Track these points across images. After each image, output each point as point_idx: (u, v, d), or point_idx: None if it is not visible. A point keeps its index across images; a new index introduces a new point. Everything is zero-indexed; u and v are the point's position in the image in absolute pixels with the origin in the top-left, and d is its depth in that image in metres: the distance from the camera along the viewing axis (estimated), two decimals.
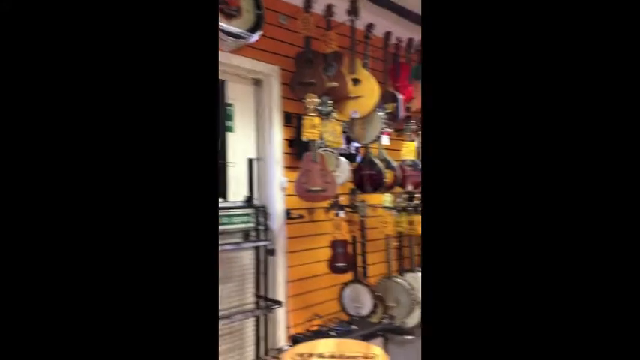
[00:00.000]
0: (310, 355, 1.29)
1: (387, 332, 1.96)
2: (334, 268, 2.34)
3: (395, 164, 2.54)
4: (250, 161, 2.18)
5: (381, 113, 2.46)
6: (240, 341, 2.16)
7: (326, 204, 2.39)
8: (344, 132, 2.52)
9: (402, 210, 2.67)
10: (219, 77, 2.10)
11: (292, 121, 2.44)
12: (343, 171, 2.37)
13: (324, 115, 2.17)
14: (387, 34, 2.74)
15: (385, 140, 2.56)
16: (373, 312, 2.35)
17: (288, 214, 2.37)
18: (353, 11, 2.36)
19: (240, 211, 2.01)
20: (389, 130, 2.58)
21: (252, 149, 2.37)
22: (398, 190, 2.65)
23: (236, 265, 2.12)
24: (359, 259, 2.49)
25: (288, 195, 2.36)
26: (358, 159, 2.62)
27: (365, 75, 2.40)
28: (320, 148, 2.16)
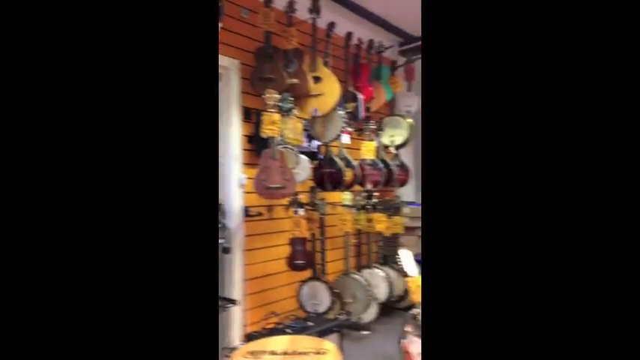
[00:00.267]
0: (262, 352, 1.27)
1: (343, 328, 1.98)
2: (293, 266, 2.33)
3: (355, 163, 2.58)
4: None
5: (341, 112, 2.49)
6: None
7: (285, 201, 2.37)
8: (305, 130, 2.52)
9: (361, 208, 2.71)
10: None
11: (252, 116, 2.40)
12: (303, 168, 2.37)
13: (285, 112, 2.15)
14: (349, 34, 2.77)
15: (345, 139, 2.59)
16: (330, 309, 2.37)
17: (246, 212, 2.33)
18: (314, 9, 2.36)
19: None
20: (349, 129, 2.61)
21: None
22: (357, 188, 2.69)
23: None
24: (318, 256, 2.50)
25: (247, 192, 2.32)
26: (319, 157, 2.64)
27: (326, 73, 2.41)
28: (280, 145, 2.15)
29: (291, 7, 2.31)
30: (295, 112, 2.22)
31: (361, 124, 2.74)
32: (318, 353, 1.24)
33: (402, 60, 3.41)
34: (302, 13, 2.38)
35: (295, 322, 1.93)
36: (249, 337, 1.98)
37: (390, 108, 3.21)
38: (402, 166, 3.05)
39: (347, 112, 2.55)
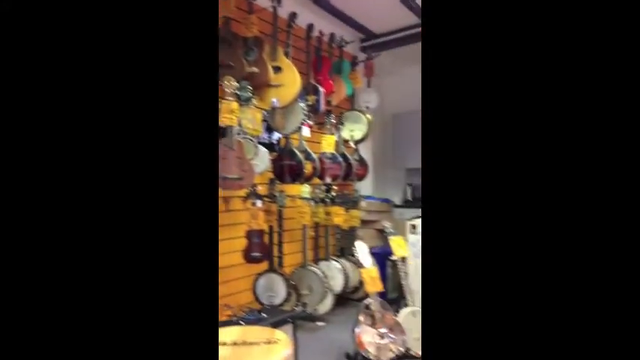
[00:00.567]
0: None
1: (297, 319, 1.98)
2: (249, 258, 2.30)
3: (315, 156, 2.58)
4: None
5: (302, 104, 2.47)
6: None
7: (243, 193, 2.33)
8: (264, 120, 2.48)
9: (320, 201, 2.73)
10: None
11: None
12: (262, 160, 2.33)
13: (243, 101, 2.10)
14: (310, 26, 2.76)
15: (306, 132, 2.59)
16: (286, 301, 2.37)
17: None
18: None
19: None
20: (310, 122, 2.61)
21: None
22: (316, 181, 2.70)
23: None
24: (275, 248, 2.48)
25: None
26: (278, 148, 2.61)
27: (286, 64, 2.39)
28: (238, 134, 2.10)
29: None
30: (254, 101, 2.18)
31: (322, 118, 2.75)
32: (269, 343, 1.23)
33: (362, 56, 3.45)
34: (263, 1, 2.33)
35: (249, 313, 1.90)
36: None
37: (350, 103, 3.24)
38: (361, 161, 3.10)
39: (307, 105, 2.54)
